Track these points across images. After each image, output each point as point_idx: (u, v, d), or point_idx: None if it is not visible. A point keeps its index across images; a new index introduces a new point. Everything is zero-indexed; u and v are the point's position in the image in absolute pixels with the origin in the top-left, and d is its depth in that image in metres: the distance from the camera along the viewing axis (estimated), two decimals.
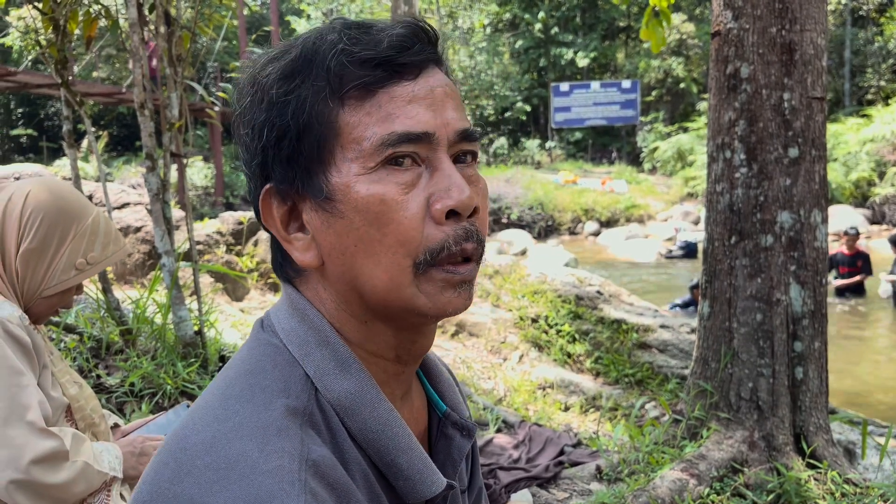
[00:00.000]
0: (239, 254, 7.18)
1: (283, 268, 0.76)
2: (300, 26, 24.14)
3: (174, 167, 3.62)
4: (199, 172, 18.85)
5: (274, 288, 7.32)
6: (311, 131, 0.68)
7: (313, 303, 0.73)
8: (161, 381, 3.00)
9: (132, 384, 2.95)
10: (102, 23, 3.23)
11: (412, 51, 0.68)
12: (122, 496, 1.61)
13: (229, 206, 17.41)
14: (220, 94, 3.85)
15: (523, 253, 15.26)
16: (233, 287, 6.59)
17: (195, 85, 3.29)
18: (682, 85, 27.54)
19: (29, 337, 1.50)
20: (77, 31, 3.18)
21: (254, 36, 20.30)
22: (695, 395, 3.27)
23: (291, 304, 0.74)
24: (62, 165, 16.14)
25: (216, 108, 4.15)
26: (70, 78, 3.12)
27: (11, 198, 1.58)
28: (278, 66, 0.70)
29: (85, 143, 22.17)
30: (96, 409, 1.75)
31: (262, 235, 7.53)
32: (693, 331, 5.74)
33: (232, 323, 5.32)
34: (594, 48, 28.53)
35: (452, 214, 0.68)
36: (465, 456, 0.81)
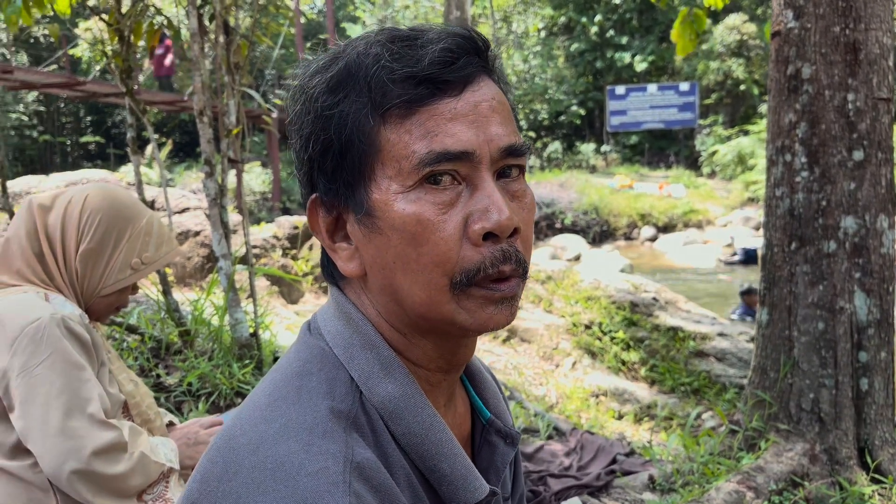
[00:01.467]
0: (294, 258, 7.31)
1: (331, 272, 0.77)
2: (356, 33, 24.45)
3: (232, 173, 3.71)
4: (256, 178, 19.27)
5: (328, 291, 7.40)
6: (353, 147, 0.68)
7: (359, 307, 0.74)
8: (217, 381, 3.08)
9: (190, 384, 3.03)
10: (165, 33, 3.34)
11: (456, 66, 0.67)
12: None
13: (286, 211, 17.75)
14: (276, 100, 3.93)
15: (577, 258, 15.10)
16: (288, 290, 6.71)
17: (252, 92, 3.38)
18: (742, 87, 26.84)
19: (88, 334, 1.55)
20: (141, 42, 3.30)
21: (309, 44, 20.68)
22: (752, 406, 3.18)
23: (338, 307, 0.75)
24: (127, 171, 16.72)
25: (273, 115, 4.23)
26: (135, 87, 3.23)
27: (71, 201, 1.64)
28: (324, 77, 0.70)
29: (148, 149, 22.95)
30: (152, 407, 1.80)
31: (316, 240, 7.65)
32: (752, 339, 5.58)
33: (287, 325, 5.41)
34: (651, 51, 28.07)
35: (490, 236, 0.67)
36: (508, 464, 0.81)
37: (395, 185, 0.67)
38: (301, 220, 7.72)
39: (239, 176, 3.32)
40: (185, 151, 24.70)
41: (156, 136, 3.47)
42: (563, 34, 30.60)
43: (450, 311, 0.68)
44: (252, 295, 3.47)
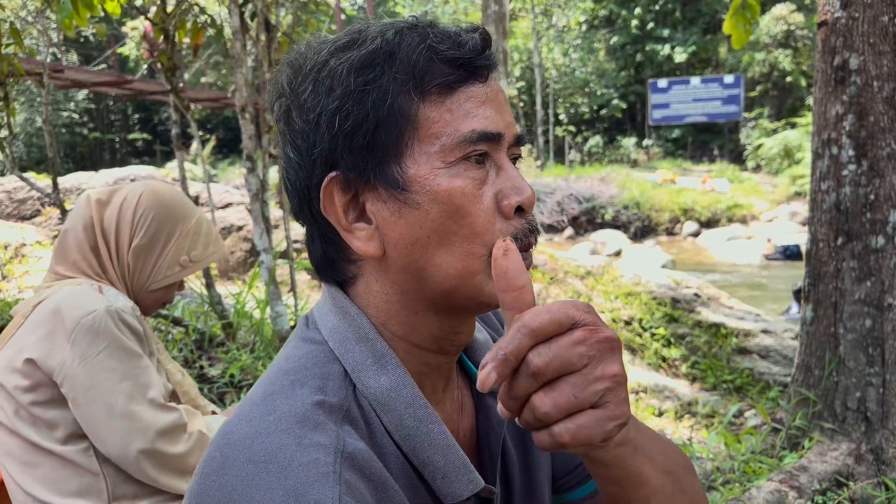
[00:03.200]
0: None
1: (335, 265, 0.76)
2: None
3: (273, 168, 3.77)
4: None
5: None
6: (390, 123, 0.69)
7: (360, 298, 0.75)
8: (259, 373, 3.13)
9: (232, 375, 3.09)
10: (209, 31, 3.41)
11: (485, 55, 0.71)
12: None
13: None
14: None
15: (618, 254, 14.94)
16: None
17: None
18: (789, 78, 26.20)
19: (140, 325, 1.61)
20: (185, 40, 3.37)
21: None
22: (796, 404, 3.11)
23: (334, 302, 0.75)
24: (173, 168, 17.08)
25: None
26: (179, 84, 3.30)
27: (126, 198, 1.69)
28: (353, 56, 0.70)
29: (193, 146, 23.40)
30: (198, 396, 1.85)
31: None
32: (797, 336, 5.47)
33: None
34: (694, 42, 27.57)
35: (519, 210, 0.71)
36: (504, 425, 0.81)
37: (436, 160, 0.69)
38: None
39: (281, 172, 3.37)
40: (228, 147, 25.13)
41: (200, 132, 3.53)
42: (604, 27, 30.25)
43: (479, 281, 0.70)
44: (293, 288, 3.52)
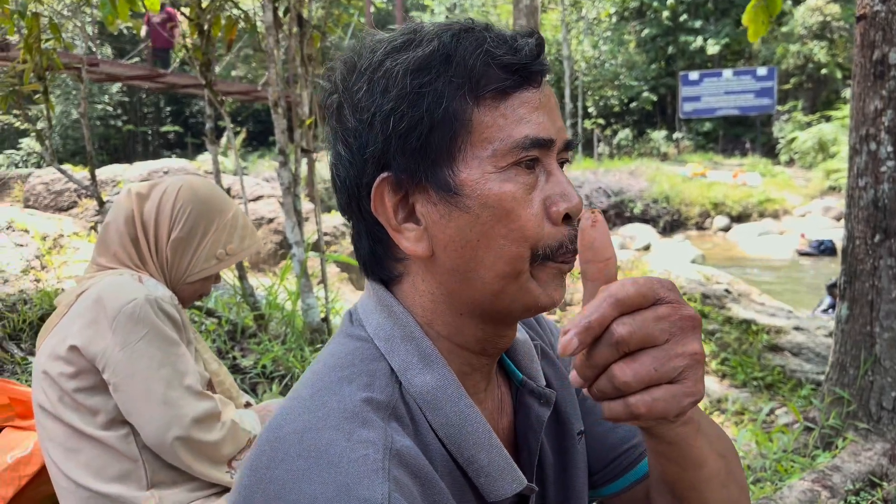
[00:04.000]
0: None
1: (381, 263, 0.77)
2: (425, 20, 24.39)
3: (304, 161, 3.80)
4: (324, 167, 19.60)
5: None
6: (444, 126, 0.70)
7: (405, 296, 0.76)
8: (290, 364, 3.17)
9: (264, 366, 3.14)
10: (241, 26, 3.44)
11: (539, 60, 0.71)
12: None
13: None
14: None
15: (647, 248, 14.80)
16: (357, 277, 6.83)
17: (325, 83, 3.44)
18: (824, 71, 25.67)
19: (178, 314, 1.64)
20: (217, 35, 3.41)
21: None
22: (830, 403, 3.07)
23: (379, 300, 0.76)
24: (204, 160, 17.28)
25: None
26: (212, 78, 3.34)
27: (166, 191, 1.73)
28: (410, 57, 0.70)
29: (224, 138, 23.63)
30: (233, 386, 1.88)
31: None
32: (830, 334, 5.38)
33: None
34: (726, 34, 27.13)
35: (567, 217, 0.72)
36: (544, 424, 0.82)
37: (488, 165, 0.70)
38: None
39: (311, 165, 3.40)
40: (258, 140, 25.34)
41: (231, 125, 3.58)
42: (635, 19, 29.89)
43: (525, 283, 0.71)
44: (323, 281, 3.56)
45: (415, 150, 0.70)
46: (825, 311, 8.29)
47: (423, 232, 0.72)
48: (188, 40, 3.35)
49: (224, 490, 1.66)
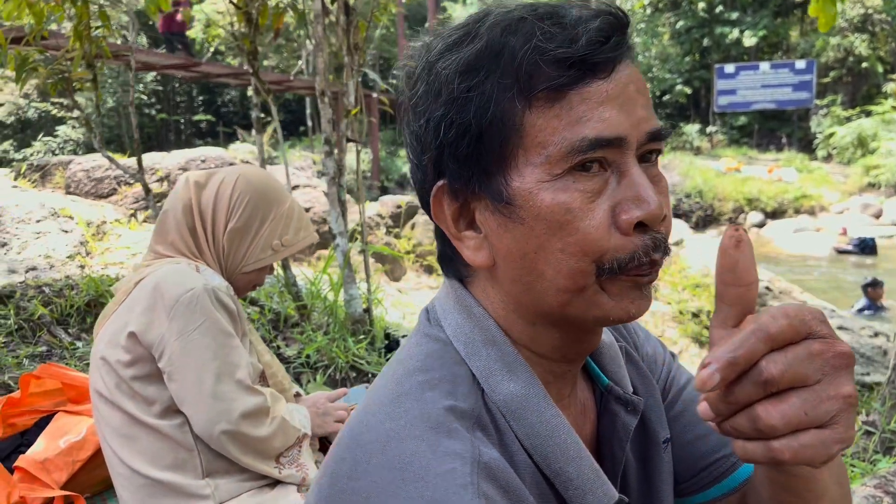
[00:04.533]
0: (397, 236, 7.43)
1: (453, 263, 0.74)
2: (457, 12, 24.38)
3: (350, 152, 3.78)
4: (352, 156, 19.65)
5: (429, 270, 7.51)
6: (494, 132, 0.64)
7: (480, 300, 0.72)
8: (334, 354, 3.17)
9: (308, 356, 3.13)
10: (289, 15, 3.42)
11: (608, 46, 0.63)
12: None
13: (384, 190, 18.06)
14: (383, 84, 3.96)
15: (679, 244, 14.61)
16: (391, 268, 6.83)
17: (372, 73, 3.42)
18: (864, 64, 25.08)
19: (234, 305, 1.63)
20: (263, 23, 3.39)
21: (409, 30, 20.81)
22: (891, 406, 2.99)
23: (457, 299, 0.73)
24: (236, 149, 17.42)
25: (374, 96, 4.27)
26: (245, 67, 3.33)
27: (224, 180, 1.72)
28: (459, 57, 0.65)
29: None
30: (286, 377, 1.87)
31: (420, 219, 7.74)
32: (876, 334, 5.26)
33: (392, 302, 5.51)
34: (764, 26, 26.60)
35: (641, 224, 0.64)
36: (631, 433, 0.78)
37: (541, 172, 0.63)
38: (404, 199, 7.82)
39: (357, 155, 3.38)
40: (288, 130, 25.48)
41: (261, 114, 3.56)
42: (669, 10, 29.47)
43: (593, 297, 0.65)
44: (366, 272, 3.55)
45: (466, 158, 0.66)
46: (860, 311, 8.10)
47: (482, 240, 0.69)
48: (236, 27, 3.34)
49: (276, 482, 1.65)
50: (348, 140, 3.33)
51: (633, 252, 0.64)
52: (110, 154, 3.75)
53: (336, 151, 3.32)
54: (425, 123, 0.68)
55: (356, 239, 4.32)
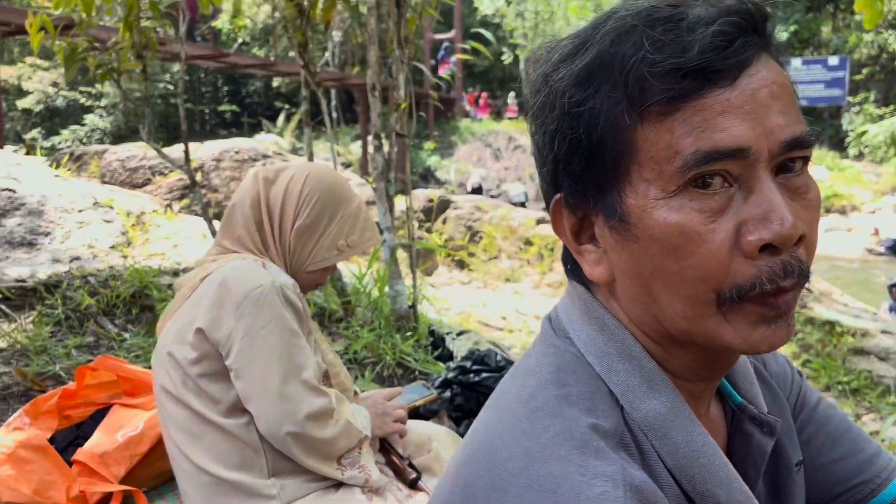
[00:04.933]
0: (429, 230, 7.39)
1: (576, 270, 0.71)
2: (483, 4, 24.19)
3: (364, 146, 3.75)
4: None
5: (460, 265, 7.47)
6: (605, 147, 0.61)
7: (611, 312, 0.68)
8: (381, 351, 3.14)
9: (356, 352, 3.11)
10: (340, 6, 3.39)
11: (731, 50, 0.57)
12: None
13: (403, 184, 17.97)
14: (433, 78, 3.92)
15: None
16: (424, 263, 6.80)
17: (423, 67, 3.38)
18: None
19: (300, 303, 1.60)
20: (314, 15, 3.36)
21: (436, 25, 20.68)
22: None
23: (587, 310, 0.69)
24: (260, 139, 17.47)
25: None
26: (272, 59, 3.31)
27: (293, 177, 1.69)
28: (572, 69, 0.62)
29: (280, 119, 23.85)
30: (347, 376, 1.84)
31: (451, 213, 7.70)
32: None
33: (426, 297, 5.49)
34: (795, 21, 26.19)
35: (769, 247, 0.58)
36: (766, 456, 0.73)
37: (655, 189, 0.59)
38: (435, 193, 7.79)
39: (405, 150, 3.35)
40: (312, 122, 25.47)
41: (286, 105, 3.53)
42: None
43: (714, 327, 0.60)
44: (412, 267, 3.51)
45: (580, 174, 0.63)
46: (891, 310, 7.97)
47: (602, 255, 0.66)
48: (264, 18, 3.30)
49: (340, 483, 1.62)
50: (397, 135, 3.30)
51: (754, 278, 0.58)
52: (147, 144, 3.75)
53: (385, 146, 3.29)
54: (542, 136, 0.66)
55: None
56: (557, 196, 0.67)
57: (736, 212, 0.58)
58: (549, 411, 0.62)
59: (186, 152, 3.42)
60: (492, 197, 14.83)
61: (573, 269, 0.72)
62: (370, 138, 3.43)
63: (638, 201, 0.60)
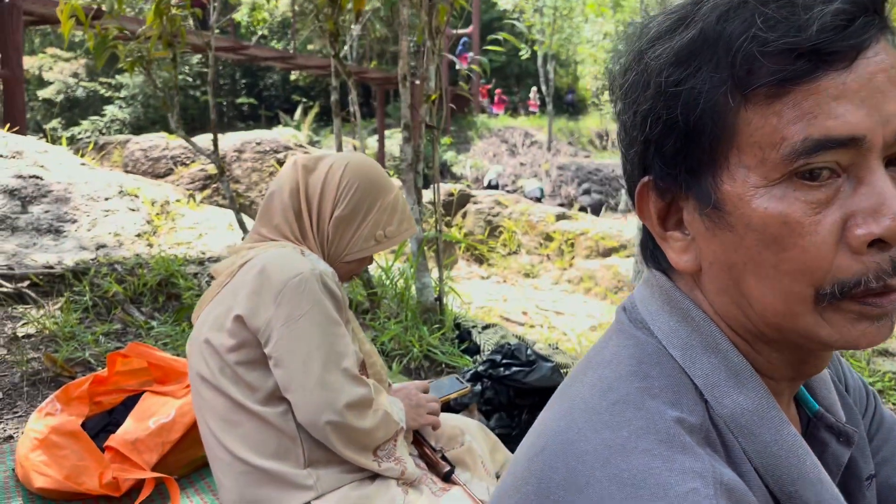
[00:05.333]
0: (448, 224, 7.37)
1: (656, 257, 0.68)
2: None
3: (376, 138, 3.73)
4: (397, 144, 19.67)
5: (479, 260, 7.45)
6: (703, 130, 0.57)
7: (696, 302, 0.65)
8: (408, 343, 3.13)
9: (382, 344, 3.10)
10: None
11: (849, 31, 0.53)
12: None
13: (424, 179, 17.97)
14: (463, 70, 3.88)
15: None
16: (451, 261, 6.79)
17: (452, 57, 3.35)
18: None
19: (339, 291, 1.59)
20: (346, 5, 3.34)
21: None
22: None
23: (668, 299, 0.66)
24: (279, 133, 17.50)
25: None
26: (291, 51, 3.29)
27: (332, 167, 1.68)
28: (671, 46, 0.59)
29: (298, 112, 23.89)
30: (383, 367, 1.83)
31: (471, 208, 7.68)
32: None
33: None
34: None
35: (878, 242, 0.54)
36: (842, 467, 0.70)
37: (755, 177, 0.56)
38: (455, 187, 7.77)
39: (435, 142, 3.33)
40: (328, 116, 25.55)
41: (304, 99, 3.52)
42: None
43: (810, 324, 0.57)
44: (438, 260, 3.49)
45: (673, 157, 0.60)
46: None
47: (690, 243, 0.63)
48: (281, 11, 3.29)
49: (376, 475, 1.61)
50: (427, 126, 3.28)
51: (860, 274, 0.55)
52: (175, 133, 3.75)
53: (414, 138, 3.27)
54: (633, 115, 0.62)
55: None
56: (645, 179, 0.64)
57: (843, 203, 0.55)
58: (631, 404, 0.59)
59: (215, 141, 3.41)
60: (508, 193, 14.80)
61: (653, 256, 0.69)
62: (387, 132, 3.39)
63: (735, 188, 0.57)
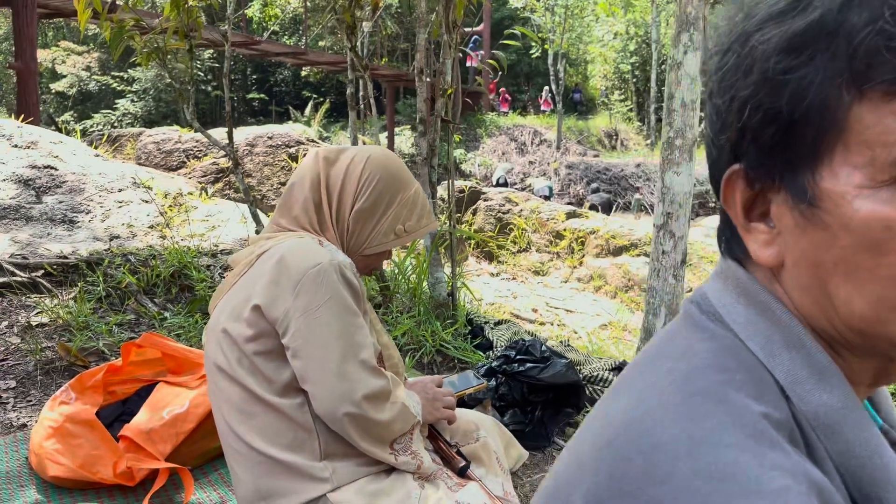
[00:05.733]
0: (459, 221, 7.37)
1: (731, 248, 0.66)
2: None
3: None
4: (406, 141, 19.66)
5: (489, 257, 7.43)
6: (809, 122, 0.55)
7: (776, 296, 0.63)
8: (421, 338, 3.11)
9: (395, 338, 3.09)
10: None
11: None
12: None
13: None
14: (480, 64, 3.87)
15: None
16: (462, 256, 6.79)
17: (467, 51, 3.34)
18: None
19: (358, 282, 1.57)
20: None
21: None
22: None
23: (744, 291, 0.64)
24: (291, 128, 17.52)
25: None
26: (303, 47, 3.28)
27: (354, 159, 1.66)
28: (782, 31, 0.56)
29: (308, 108, 23.93)
30: (400, 360, 1.82)
31: (481, 205, 7.67)
32: None
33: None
34: None
35: None
36: None
37: (860, 177, 0.54)
38: (466, 184, 7.75)
39: (450, 136, 3.31)
40: (338, 112, 25.59)
41: (314, 95, 3.51)
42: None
43: (893, 335, 0.55)
44: (451, 255, 3.48)
45: (770, 147, 0.57)
46: None
47: (774, 236, 0.60)
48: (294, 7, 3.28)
49: (392, 469, 1.60)
50: (443, 120, 3.26)
51: None
52: (189, 126, 3.75)
53: (430, 132, 3.25)
54: (729, 101, 0.59)
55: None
56: (736, 167, 0.61)
57: None
58: (713, 396, 0.57)
59: (230, 133, 3.41)
60: (517, 191, 14.78)
61: (728, 246, 0.67)
62: (396, 129, 3.38)
63: (837, 186, 0.55)
